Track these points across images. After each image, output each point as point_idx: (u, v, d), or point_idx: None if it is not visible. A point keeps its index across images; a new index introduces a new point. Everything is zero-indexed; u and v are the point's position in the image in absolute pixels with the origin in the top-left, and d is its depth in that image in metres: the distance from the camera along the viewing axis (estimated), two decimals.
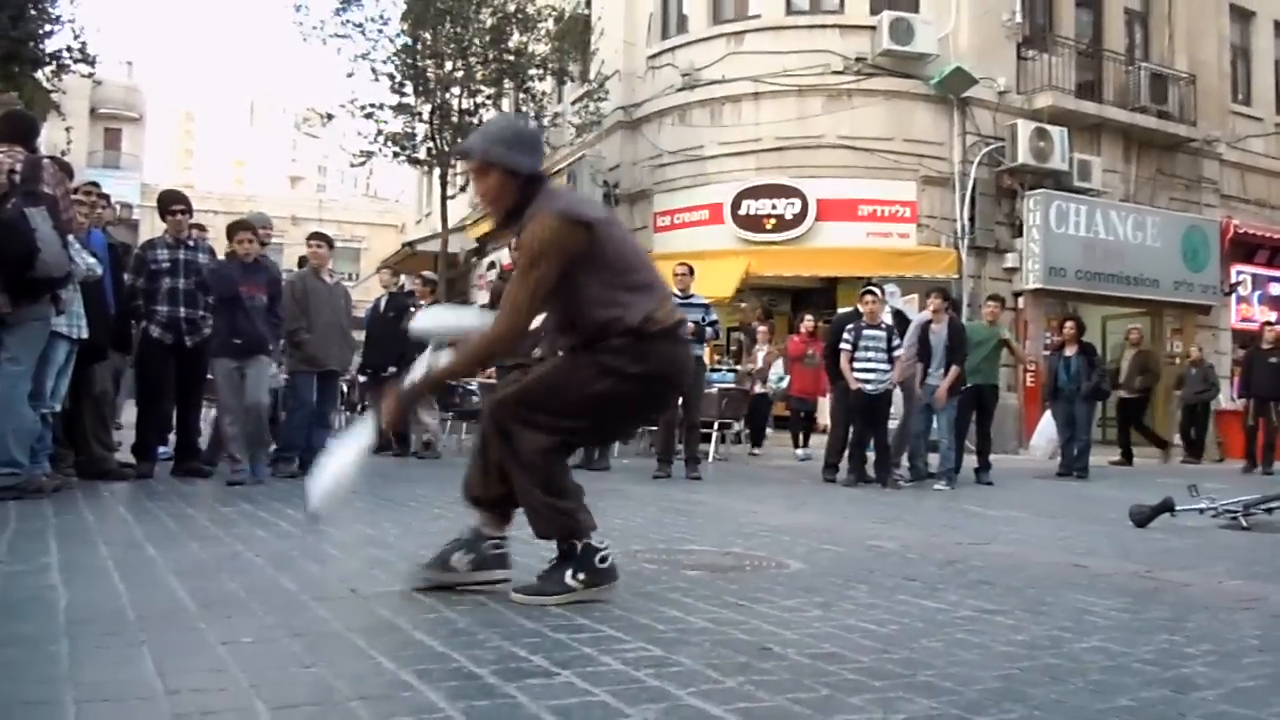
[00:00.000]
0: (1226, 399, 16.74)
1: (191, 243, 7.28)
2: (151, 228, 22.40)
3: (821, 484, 8.87)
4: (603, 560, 3.20)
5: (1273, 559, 4.89)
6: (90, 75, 17.34)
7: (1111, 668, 2.55)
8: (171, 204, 7.31)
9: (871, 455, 8.86)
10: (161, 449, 7.45)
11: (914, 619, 3.08)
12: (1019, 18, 16.68)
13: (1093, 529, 6.03)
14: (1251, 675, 2.52)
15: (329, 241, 8.30)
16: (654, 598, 3.26)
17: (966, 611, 3.21)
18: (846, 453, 9.03)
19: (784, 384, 13.14)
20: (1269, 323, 15.31)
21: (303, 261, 8.60)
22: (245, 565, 3.68)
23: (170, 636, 2.60)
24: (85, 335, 5.95)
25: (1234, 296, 18.99)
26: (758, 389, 12.99)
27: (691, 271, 9.61)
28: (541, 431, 3.15)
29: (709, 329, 9.20)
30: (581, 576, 3.16)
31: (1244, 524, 6.11)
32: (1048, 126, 16.19)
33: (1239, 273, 19.10)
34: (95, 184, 7.37)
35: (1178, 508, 6.11)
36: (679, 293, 9.23)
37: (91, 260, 5.97)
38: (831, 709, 2.12)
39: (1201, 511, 6.31)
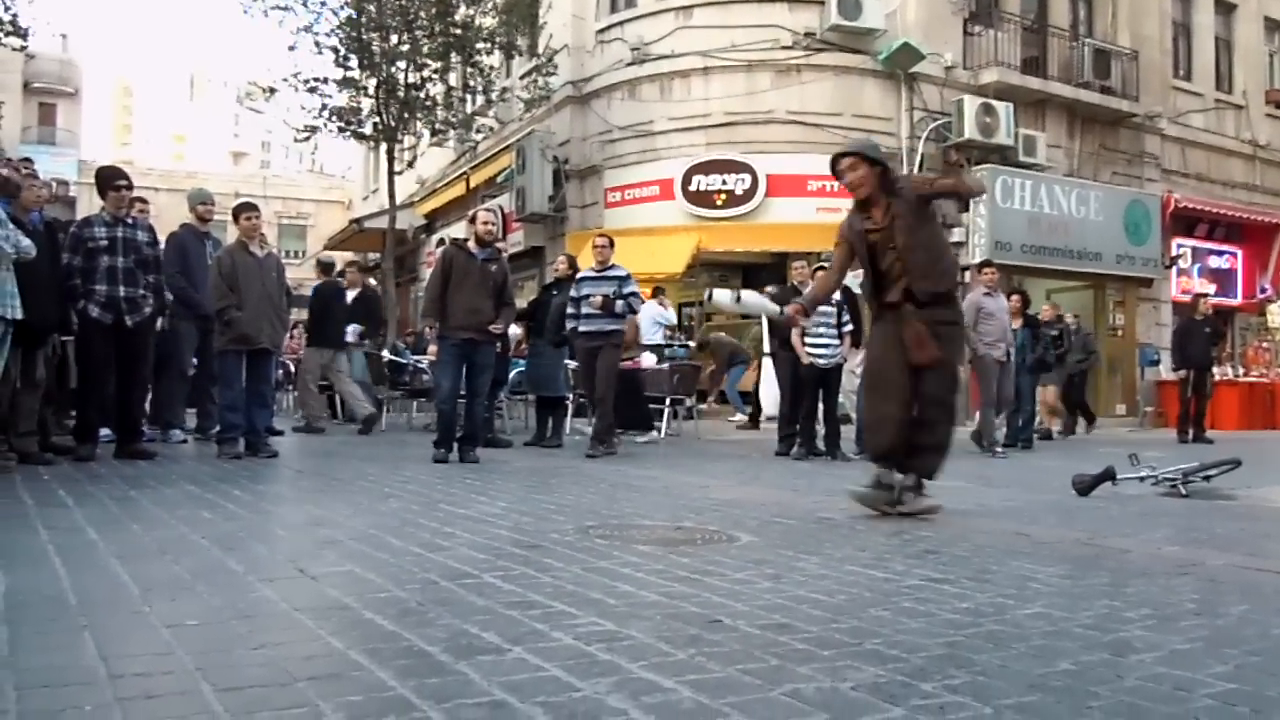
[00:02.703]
0: (1168, 370, 17.04)
1: (130, 220, 7.09)
2: (90, 205, 21.89)
3: (772, 458, 8.94)
4: None
5: (1209, 525, 5.01)
6: (23, 49, 16.90)
7: (1053, 633, 2.61)
8: (114, 180, 7.05)
9: (822, 429, 8.97)
10: (103, 431, 7.31)
11: (862, 589, 3.12)
12: None
13: (1036, 498, 6.14)
14: (1188, 638, 2.59)
15: (258, 210, 8.24)
16: (606, 573, 3.27)
17: (913, 581, 3.26)
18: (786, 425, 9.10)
19: None
20: (1203, 295, 15.55)
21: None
22: (190, 547, 3.63)
23: (113, 620, 2.56)
24: (19, 315, 5.78)
25: (1174, 269, 19.37)
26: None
27: (611, 244, 9.23)
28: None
29: (619, 302, 8.74)
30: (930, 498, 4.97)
31: (1183, 491, 6.25)
32: (993, 102, 16.34)
33: (1179, 246, 19.48)
34: (29, 160, 7.16)
35: (1119, 476, 6.24)
36: (597, 265, 9.07)
37: (25, 241, 5.79)
38: (781, 679, 2.14)
39: (1142, 480, 6.45)
